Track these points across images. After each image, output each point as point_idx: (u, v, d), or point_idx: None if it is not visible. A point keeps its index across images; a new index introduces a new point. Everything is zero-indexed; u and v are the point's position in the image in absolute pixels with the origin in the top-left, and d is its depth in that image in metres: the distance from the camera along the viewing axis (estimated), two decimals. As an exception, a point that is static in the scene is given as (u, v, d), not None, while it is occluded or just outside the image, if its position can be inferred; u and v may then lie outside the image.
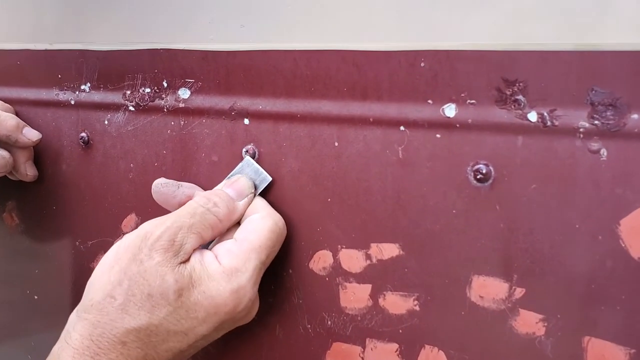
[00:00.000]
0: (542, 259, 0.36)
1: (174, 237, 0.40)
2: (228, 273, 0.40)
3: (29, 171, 0.56)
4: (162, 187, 0.46)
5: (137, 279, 0.39)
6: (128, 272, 0.39)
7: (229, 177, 0.45)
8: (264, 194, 0.45)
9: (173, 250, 0.40)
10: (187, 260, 0.40)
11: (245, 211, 0.44)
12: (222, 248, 0.42)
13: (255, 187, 0.45)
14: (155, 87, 0.49)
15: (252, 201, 0.44)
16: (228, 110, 0.46)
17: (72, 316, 0.40)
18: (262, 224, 0.42)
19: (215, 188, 0.45)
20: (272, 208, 0.44)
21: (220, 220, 0.42)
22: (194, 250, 0.41)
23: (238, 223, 0.44)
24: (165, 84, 0.49)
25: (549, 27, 0.35)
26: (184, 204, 0.43)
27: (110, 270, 0.40)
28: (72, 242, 0.57)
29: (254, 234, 0.42)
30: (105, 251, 0.53)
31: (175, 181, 0.46)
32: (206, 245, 0.43)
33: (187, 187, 0.46)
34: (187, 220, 0.41)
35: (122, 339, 0.38)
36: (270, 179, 0.44)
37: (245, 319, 0.43)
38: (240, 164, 0.45)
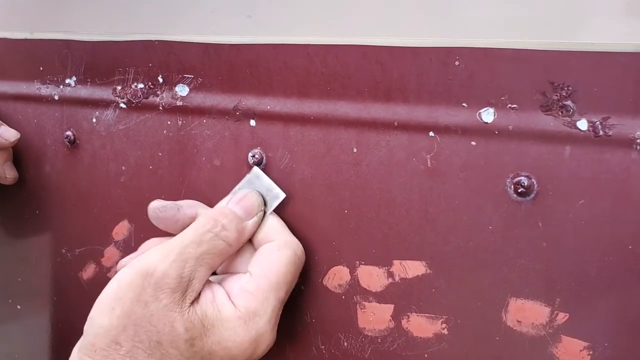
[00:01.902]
0: (589, 282, 0.33)
1: (181, 273, 0.36)
2: (245, 319, 0.36)
3: (8, 173, 0.51)
4: (160, 212, 0.41)
5: (144, 325, 0.35)
6: (132, 317, 0.35)
7: (234, 192, 0.40)
8: (277, 211, 0.41)
9: (181, 288, 0.35)
10: (197, 299, 0.36)
11: (253, 231, 0.39)
12: (236, 286, 0.37)
13: (266, 204, 0.40)
14: (150, 83, 0.45)
15: (261, 220, 0.40)
16: (232, 110, 0.42)
17: (75, 356, 0.36)
18: (280, 257, 0.38)
19: (219, 204, 0.40)
20: (289, 232, 0.39)
21: (230, 245, 0.38)
22: (204, 286, 0.37)
23: (248, 244, 0.40)
24: (160, 80, 0.44)
25: (604, 25, 0.31)
26: (188, 225, 0.38)
27: (111, 313, 0.35)
28: (57, 250, 0.52)
29: (272, 269, 0.37)
30: (95, 260, 0.50)
31: (173, 203, 0.41)
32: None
33: (187, 207, 0.41)
34: (193, 250, 0.36)
35: None
36: (284, 195, 0.40)
37: (260, 356, 0.39)
38: (248, 176, 0.41)
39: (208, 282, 0.37)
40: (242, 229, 0.38)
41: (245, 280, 0.37)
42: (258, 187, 0.40)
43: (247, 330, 0.36)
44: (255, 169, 0.40)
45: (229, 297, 0.37)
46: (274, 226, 0.39)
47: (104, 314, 0.35)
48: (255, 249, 0.40)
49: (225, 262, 0.40)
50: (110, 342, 0.35)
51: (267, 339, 0.37)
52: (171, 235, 0.40)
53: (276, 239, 0.39)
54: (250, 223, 0.39)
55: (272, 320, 0.37)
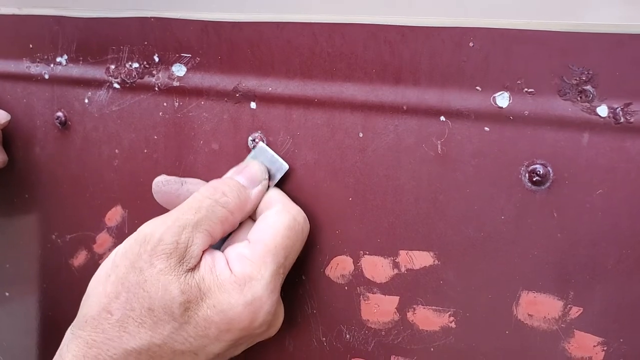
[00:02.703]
0: (604, 275, 0.32)
1: (177, 239, 0.34)
2: (240, 282, 0.34)
3: (-3, 156, 0.49)
4: (163, 185, 0.39)
5: (137, 291, 0.33)
6: (126, 283, 0.34)
7: (238, 165, 0.39)
8: (283, 188, 0.39)
9: (177, 254, 0.34)
10: (196, 266, 0.34)
11: (259, 200, 0.38)
12: (233, 252, 0.36)
13: (270, 177, 0.39)
14: (145, 62, 0.43)
15: (266, 189, 0.38)
16: (231, 92, 0.40)
17: (67, 333, 0.35)
18: (277, 221, 0.36)
19: (222, 177, 0.39)
20: (289, 200, 0.38)
21: (232, 213, 0.36)
22: (204, 252, 0.35)
23: (252, 219, 0.38)
24: (156, 59, 0.42)
25: (628, 5, 0.29)
26: None
27: (106, 281, 0.34)
28: (47, 235, 0.50)
29: (269, 233, 0.36)
30: (86, 247, 0.48)
31: (178, 178, 0.40)
32: (218, 244, 0.38)
33: (192, 184, 0.39)
34: (191, 216, 0.35)
35: None
36: (287, 166, 0.38)
37: (267, 333, 0.37)
38: (253, 152, 0.39)
39: (210, 250, 0.36)
40: (245, 197, 0.37)
41: (242, 247, 0.36)
42: (262, 160, 0.39)
43: (243, 294, 0.34)
44: (260, 143, 0.39)
45: (227, 263, 0.35)
46: (274, 196, 0.38)
47: (99, 283, 0.35)
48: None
49: (229, 236, 0.38)
50: (101, 311, 0.34)
51: (265, 304, 0.35)
52: None
53: (275, 206, 0.37)
54: (255, 191, 0.37)
55: (271, 285, 0.35)
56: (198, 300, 0.34)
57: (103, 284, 0.34)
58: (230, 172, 0.39)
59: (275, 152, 0.39)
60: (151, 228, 0.35)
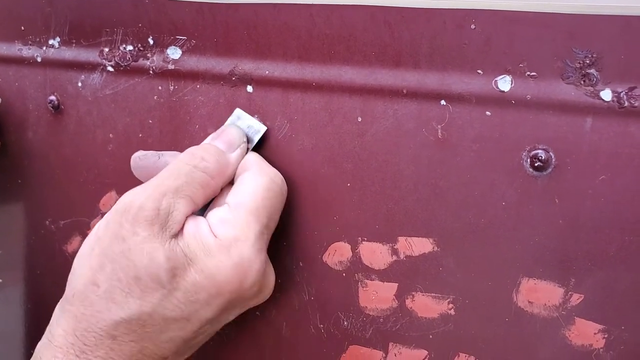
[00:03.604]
0: (607, 262, 0.31)
1: (158, 205, 0.34)
2: (226, 245, 0.34)
3: (-12, 140, 0.48)
4: (140, 160, 0.39)
5: (121, 261, 0.33)
6: (110, 254, 0.33)
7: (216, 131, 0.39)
8: (259, 149, 0.39)
9: (159, 221, 0.34)
10: (180, 232, 0.34)
11: (238, 164, 0.37)
12: (215, 217, 0.35)
13: (249, 141, 0.38)
14: (139, 45, 0.42)
15: (245, 153, 0.38)
16: (227, 75, 0.39)
17: (56, 309, 0.35)
18: (255, 183, 0.36)
19: (201, 143, 0.38)
20: (266, 163, 0.37)
21: (212, 177, 0.36)
22: (187, 218, 0.35)
23: (232, 184, 0.38)
24: (151, 41, 0.41)
25: (635, -15, 0.28)
26: None
27: (90, 254, 0.34)
28: (41, 221, 0.50)
29: (248, 195, 0.35)
30: (80, 233, 0.47)
31: (155, 152, 0.40)
32: (201, 211, 0.37)
33: (169, 156, 0.39)
34: (171, 182, 0.35)
35: (111, 333, 0.33)
36: (265, 128, 0.38)
37: (259, 297, 0.37)
38: (230, 118, 0.39)
39: (192, 216, 0.35)
40: (225, 162, 0.37)
41: (223, 211, 0.35)
42: (240, 125, 0.38)
43: (230, 256, 0.34)
44: (237, 109, 0.39)
45: (211, 229, 0.35)
46: (251, 159, 0.37)
47: (83, 256, 0.35)
48: None
49: (211, 202, 0.38)
50: (87, 283, 0.33)
51: (254, 263, 0.34)
52: None
53: (252, 169, 0.37)
54: (234, 155, 0.37)
55: (257, 245, 0.34)
56: (185, 266, 0.33)
57: (87, 258, 0.34)
58: (209, 138, 0.38)
59: (269, 139, 0.38)
60: (131, 197, 0.34)
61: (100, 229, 0.35)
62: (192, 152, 0.36)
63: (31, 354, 0.35)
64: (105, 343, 0.32)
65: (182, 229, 0.34)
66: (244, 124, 0.38)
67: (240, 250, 0.34)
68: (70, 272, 0.35)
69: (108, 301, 0.33)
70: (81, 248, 0.36)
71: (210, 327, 0.35)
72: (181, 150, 0.41)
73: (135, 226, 0.33)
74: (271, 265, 0.37)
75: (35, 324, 0.53)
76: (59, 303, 0.35)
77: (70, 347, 0.33)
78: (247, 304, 0.37)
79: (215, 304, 0.34)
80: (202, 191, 0.36)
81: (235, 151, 0.37)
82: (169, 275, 0.33)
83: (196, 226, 0.35)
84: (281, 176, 0.37)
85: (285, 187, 0.37)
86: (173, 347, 0.34)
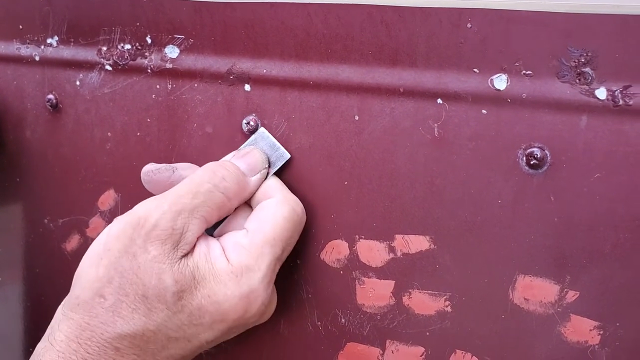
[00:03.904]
0: (602, 259, 0.31)
1: (172, 225, 0.33)
2: (237, 273, 0.34)
3: (-13, 139, 0.48)
4: (154, 174, 0.38)
5: (130, 277, 0.33)
6: (119, 268, 0.33)
7: (239, 150, 0.39)
8: (279, 174, 0.38)
9: (172, 240, 0.33)
10: (190, 252, 0.34)
11: (256, 188, 0.37)
12: (231, 241, 0.35)
13: (270, 165, 0.38)
14: (137, 44, 0.42)
15: (265, 178, 0.38)
16: (225, 74, 0.39)
17: (58, 312, 0.35)
18: (277, 212, 0.36)
19: (222, 159, 0.38)
20: (289, 191, 0.37)
21: (229, 199, 0.36)
22: (198, 238, 0.35)
23: (248, 205, 0.38)
24: (149, 40, 0.41)
25: (630, -16, 0.29)
26: None
27: (98, 264, 0.34)
28: (39, 219, 0.50)
29: (269, 223, 0.35)
30: (79, 231, 0.47)
31: (168, 165, 0.39)
32: (211, 229, 0.37)
33: (183, 169, 0.39)
34: (188, 201, 0.34)
35: (115, 344, 0.33)
36: (289, 156, 0.38)
37: (259, 321, 0.37)
38: (254, 137, 0.39)
39: (204, 236, 0.35)
40: (244, 184, 0.36)
41: (240, 236, 0.35)
42: (263, 147, 0.38)
43: (239, 285, 0.34)
44: (262, 129, 0.38)
45: (224, 252, 0.35)
46: (273, 185, 0.37)
47: (91, 265, 0.34)
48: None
49: (224, 221, 0.38)
50: (94, 295, 0.33)
51: (260, 296, 0.34)
52: None
53: (275, 196, 0.37)
54: (254, 179, 0.37)
55: (267, 277, 0.35)
56: (192, 289, 0.33)
57: (95, 267, 0.34)
58: (230, 156, 0.38)
59: (275, 138, 0.38)
60: (146, 211, 0.34)
61: (110, 238, 0.34)
62: (214, 170, 0.36)
63: (30, 352, 0.35)
64: (109, 354, 0.33)
65: (192, 248, 0.34)
66: (267, 146, 0.38)
67: (251, 282, 0.34)
68: (76, 276, 0.35)
69: (114, 315, 0.33)
70: (88, 253, 0.35)
71: (207, 346, 0.36)
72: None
73: (148, 243, 0.33)
74: (275, 292, 0.38)
75: (34, 322, 0.53)
76: (60, 306, 0.35)
77: (73, 353, 0.33)
78: (246, 328, 0.37)
79: (217, 329, 0.34)
80: (217, 212, 0.35)
81: (255, 175, 0.37)
82: (175, 297, 0.33)
83: (207, 248, 0.35)
84: (302, 206, 0.37)
85: (305, 217, 0.37)
86: None
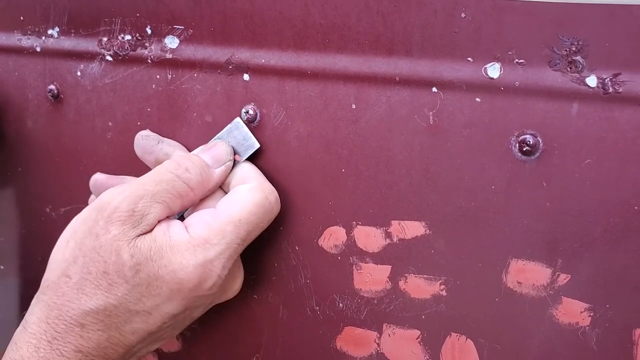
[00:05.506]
0: (592, 243, 0.32)
1: (133, 207, 0.35)
2: (194, 244, 0.35)
3: (-12, 129, 0.49)
4: (142, 139, 0.42)
5: (92, 256, 0.35)
6: (83, 248, 0.35)
7: (207, 143, 0.40)
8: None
9: (132, 221, 0.35)
10: (149, 231, 0.36)
11: (221, 179, 0.39)
12: (197, 217, 0.37)
13: (240, 153, 0.39)
14: (137, 34, 0.42)
15: (230, 169, 0.39)
16: (224, 64, 0.40)
17: (33, 299, 0.37)
18: (249, 196, 0.37)
19: (190, 153, 0.40)
20: (265, 179, 0.38)
21: (192, 189, 0.37)
22: (160, 221, 0.36)
23: (223, 191, 0.39)
24: (149, 31, 0.42)
25: (620, -26, 0.29)
26: (161, 162, 0.38)
27: (66, 247, 0.36)
28: (41, 208, 0.50)
29: (237, 205, 0.36)
30: (80, 220, 0.48)
31: (158, 136, 0.42)
32: (179, 217, 0.38)
33: (167, 144, 0.41)
34: (150, 187, 0.36)
35: (80, 321, 0.34)
36: (258, 145, 0.39)
37: (223, 297, 0.39)
38: (228, 126, 0.40)
39: (168, 219, 0.37)
40: (208, 176, 0.38)
41: (206, 213, 0.37)
42: (236, 136, 0.39)
43: (195, 255, 0.35)
44: (237, 119, 0.40)
45: (186, 229, 0.36)
46: (249, 172, 0.39)
47: (59, 248, 0.37)
48: None
49: (190, 210, 0.39)
50: (61, 275, 0.35)
51: (217, 268, 0.35)
52: None
53: (250, 183, 0.38)
54: (218, 171, 0.38)
55: (226, 254, 0.36)
56: (148, 260, 0.35)
57: (62, 250, 0.36)
58: (197, 150, 0.40)
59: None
60: (110, 197, 0.36)
61: (77, 222, 0.37)
62: (179, 162, 0.37)
63: None
64: (75, 330, 0.34)
65: (152, 228, 0.36)
66: (240, 135, 0.39)
67: (207, 253, 0.35)
68: (48, 263, 0.37)
69: (78, 292, 0.35)
70: (59, 240, 0.37)
71: (174, 323, 0.37)
72: (180, 139, 0.42)
73: (109, 224, 0.35)
74: (241, 267, 0.39)
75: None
76: (37, 293, 0.37)
77: (42, 333, 0.34)
78: (210, 303, 0.38)
79: (176, 300, 0.35)
80: (180, 200, 0.37)
81: (220, 167, 0.38)
82: (132, 271, 0.34)
83: (167, 226, 0.36)
84: (276, 195, 0.38)
85: (279, 207, 0.38)
86: (138, 338, 0.36)
